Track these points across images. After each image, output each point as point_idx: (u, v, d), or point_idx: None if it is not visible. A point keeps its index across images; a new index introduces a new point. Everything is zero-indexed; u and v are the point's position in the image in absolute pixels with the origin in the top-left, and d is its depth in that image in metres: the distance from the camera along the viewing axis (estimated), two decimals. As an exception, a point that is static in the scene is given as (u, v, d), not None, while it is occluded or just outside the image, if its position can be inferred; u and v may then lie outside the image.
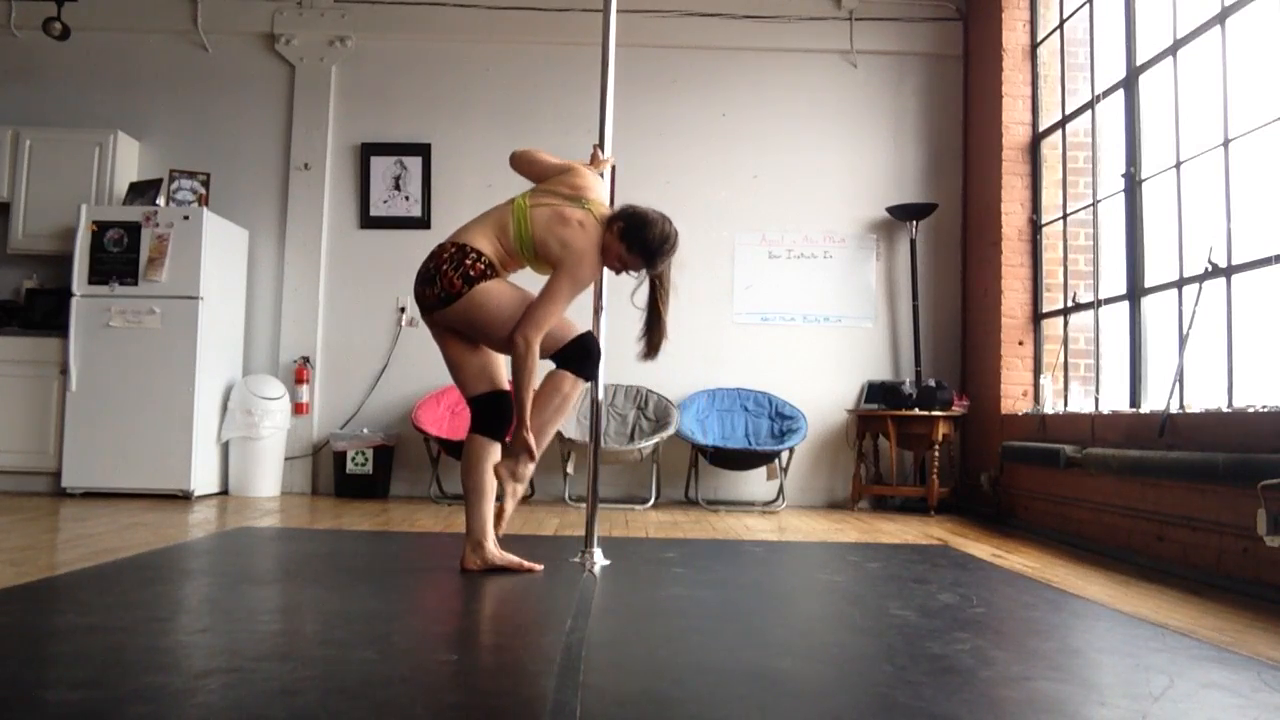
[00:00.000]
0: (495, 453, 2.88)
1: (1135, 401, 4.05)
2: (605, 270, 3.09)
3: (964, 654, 2.01)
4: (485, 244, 2.83)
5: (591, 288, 3.13)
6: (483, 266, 2.79)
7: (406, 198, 5.75)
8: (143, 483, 5.01)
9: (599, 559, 3.10)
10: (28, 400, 5.13)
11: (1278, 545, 2.80)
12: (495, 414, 2.88)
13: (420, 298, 2.86)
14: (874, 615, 2.47)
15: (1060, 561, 3.56)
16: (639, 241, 2.84)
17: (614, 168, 3.27)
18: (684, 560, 3.32)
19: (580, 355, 2.90)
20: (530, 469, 2.85)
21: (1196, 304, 3.47)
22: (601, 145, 3.24)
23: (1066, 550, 3.88)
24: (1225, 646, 2.18)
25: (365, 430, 5.52)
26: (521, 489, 2.89)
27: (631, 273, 2.94)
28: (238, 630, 2.13)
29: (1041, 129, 5.14)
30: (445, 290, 2.78)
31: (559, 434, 5.17)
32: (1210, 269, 3.42)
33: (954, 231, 5.77)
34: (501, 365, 2.92)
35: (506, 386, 2.90)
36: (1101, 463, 3.78)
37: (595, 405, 3.19)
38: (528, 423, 2.78)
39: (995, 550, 3.82)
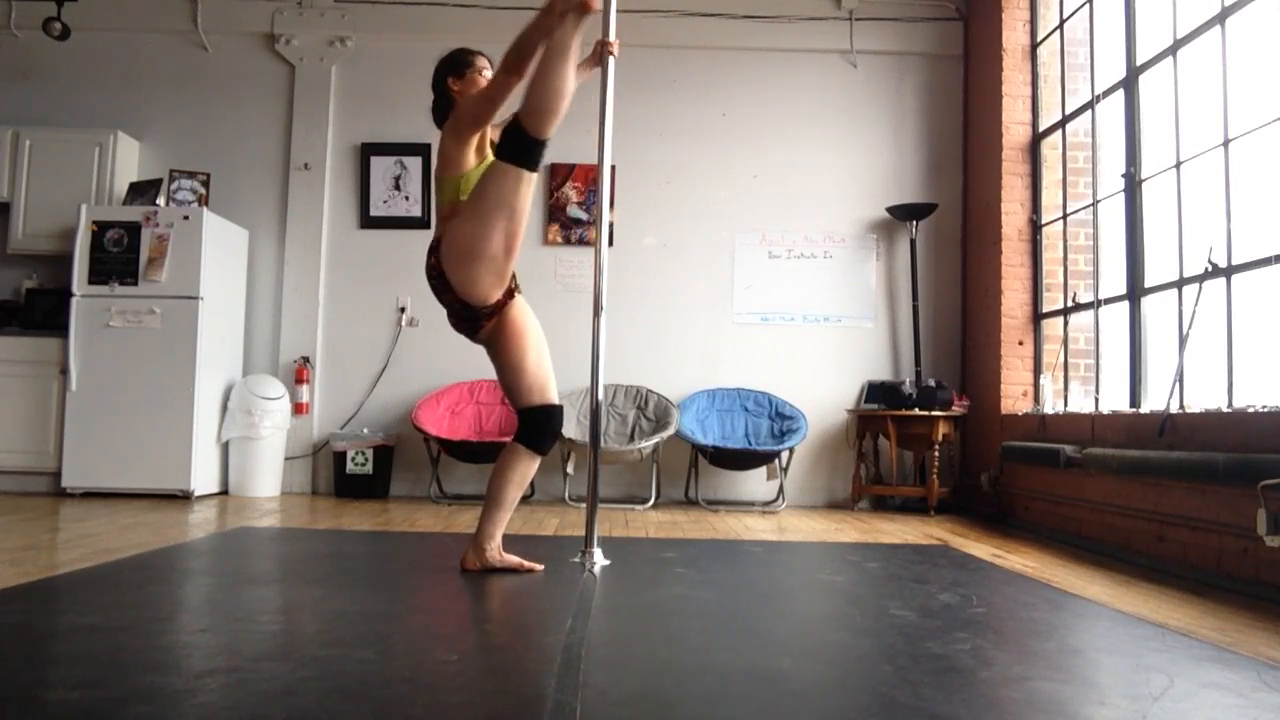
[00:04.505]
0: (533, 466, 2.89)
1: (1135, 401, 4.05)
2: (603, 272, 3.15)
3: (964, 654, 2.01)
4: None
5: (592, 290, 3.17)
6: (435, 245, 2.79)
7: (406, 198, 5.76)
8: (143, 483, 5.01)
9: (599, 559, 3.10)
10: (28, 400, 5.13)
11: (1278, 545, 2.80)
12: (543, 427, 2.88)
13: (461, 326, 2.87)
14: (874, 615, 2.47)
15: (1060, 561, 3.56)
16: (438, 75, 2.94)
17: (614, 167, 3.27)
18: (684, 560, 3.32)
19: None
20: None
21: (1196, 304, 3.47)
22: (601, 145, 3.24)
23: (1066, 550, 3.88)
24: (1225, 646, 2.18)
25: (365, 430, 5.52)
26: None
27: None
28: (238, 630, 2.13)
29: (1041, 129, 5.14)
30: (436, 279, 2.77)
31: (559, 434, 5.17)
32: (1210, 269, 3.42)
33: (954, 231, 5.77)
34: (552, 378, 2.91)
35: (557, 399, 2.91)
36: (1101, 463, 3.78)
37: (595, 405, 3.19)
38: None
39: (995, 550, 3.82)
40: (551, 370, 2.93)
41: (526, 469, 2.88)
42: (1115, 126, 4.34)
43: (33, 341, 5.18)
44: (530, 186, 2.72)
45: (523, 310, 2.91)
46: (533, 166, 2.71)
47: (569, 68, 2.64)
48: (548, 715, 1.54)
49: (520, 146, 2.66)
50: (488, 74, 2.94)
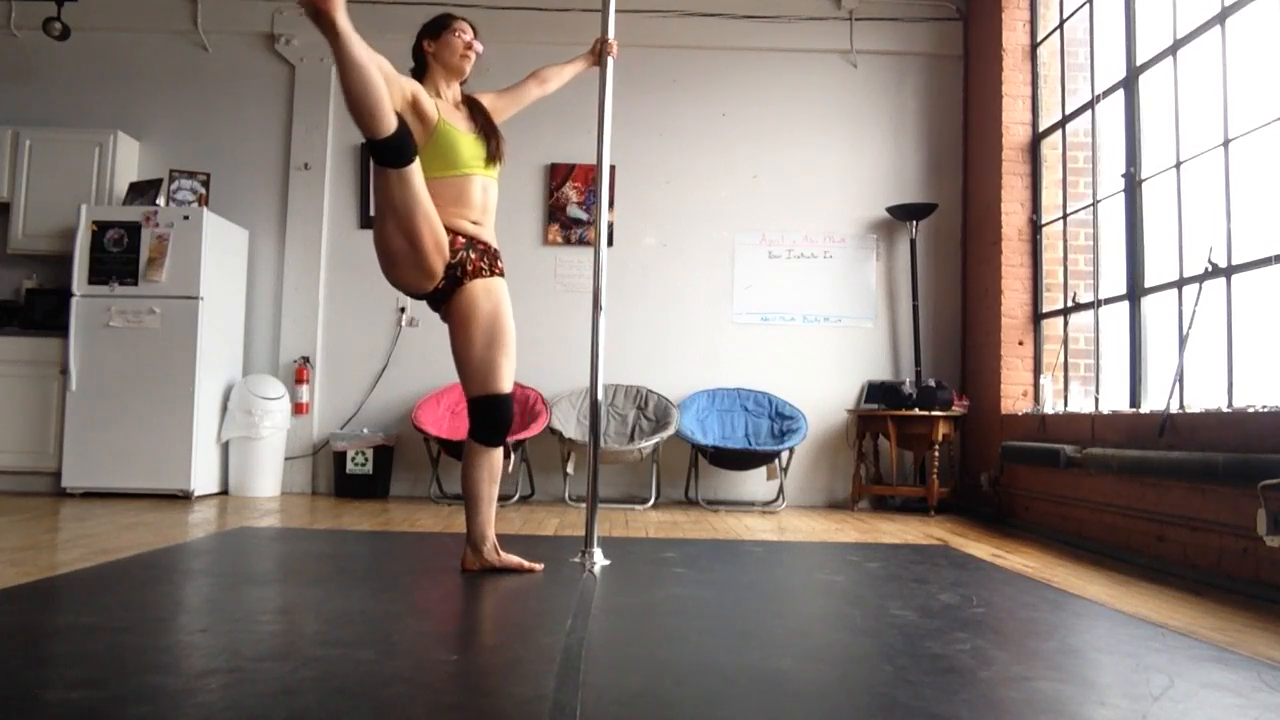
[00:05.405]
0: (494, 459, 2.82)
1: (1135, 401, 4.05)
2: (602, 272, 3.15)
3: (964, 654, 2.01)
4: None
5: (592, 290, 3.17)
6: None
7: (406, 198, 5.75)
8: (143, 483, 5.01)
9: (599, 559, 3.10)
10: (28, 400, 5.13)
11: (1278, 545, 2.80)
12: (484, 419, 2.78)
13: (434, 310, 2.89)
14: (874, 615, 2.47)
15: (1060, 561, 3.56)
16: (417, 38, 3.05)
17: (613, 167, 3.28)
18: (684, 560, 3.32)
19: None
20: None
21: (1196, 304, 3.47)
22: (601, 145, 3.25)
23: (1066, 550, 3.88)
24: (1225, 646, 2.18)
25: (365, 430, 5.52)
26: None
27: (468, 52, 3.07)
28: (238, 630, 2.13)
29: (1041, 129, 5.14)
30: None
31: (559, 435, 5.17)
32: (1210, 269, 3.42)
33: (954, 231, 5.77)
34: (500, 368, 2.77)
35: (502, 390, 2.79)
36: (1101, 463, 3.78)
37: (595, 405, 3.19)
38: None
39: (995, 550, 3.82)
40: (505, 358, 2.77)
41: (489, 463, 2.81)
42: (1115, 126, 4.34)
43: (33, 341, 5.18)
44: (407, 181, 2.57)
45: (474, 296, 2.74)
46: (394, 163, 2.55)
47: (351, 68, 2.39)
48: (548, 715, 1.54)
49: (371, 149, 2.61)
50: (466, 37, 2.97)
